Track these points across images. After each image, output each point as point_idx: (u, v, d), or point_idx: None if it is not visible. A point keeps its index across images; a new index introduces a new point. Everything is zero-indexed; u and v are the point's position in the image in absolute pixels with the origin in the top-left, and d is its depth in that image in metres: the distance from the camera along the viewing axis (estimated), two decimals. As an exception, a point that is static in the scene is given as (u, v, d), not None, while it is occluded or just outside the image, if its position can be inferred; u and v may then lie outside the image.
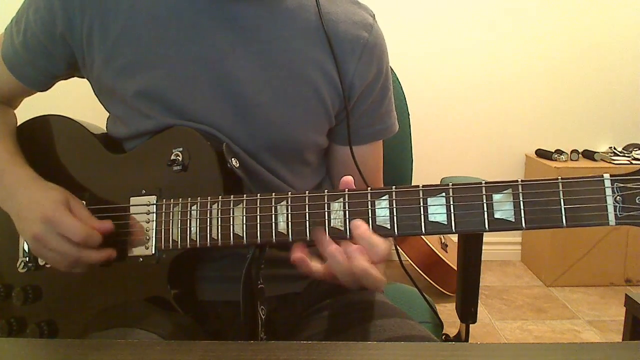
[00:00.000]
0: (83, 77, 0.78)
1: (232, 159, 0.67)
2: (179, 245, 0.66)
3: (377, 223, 0.57)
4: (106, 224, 0.68)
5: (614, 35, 2.50)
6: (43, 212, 0.65)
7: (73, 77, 0.81)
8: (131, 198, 0.70)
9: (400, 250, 0.97)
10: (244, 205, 0.62)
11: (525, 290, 2.35)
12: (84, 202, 0.71)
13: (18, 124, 0.83)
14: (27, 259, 0.74)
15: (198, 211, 0.65)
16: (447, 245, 2.31)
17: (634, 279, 2.34)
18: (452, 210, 0.55)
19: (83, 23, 0.71)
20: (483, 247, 0.90)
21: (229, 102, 0.71)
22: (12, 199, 0.70)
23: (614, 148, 2.50)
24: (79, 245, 0.65)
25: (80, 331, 0.70)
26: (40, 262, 0.74)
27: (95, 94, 0.78)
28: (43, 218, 0.65)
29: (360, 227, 0.57)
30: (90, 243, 0.65)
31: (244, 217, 0.62)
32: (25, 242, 0.74)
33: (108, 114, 0.80)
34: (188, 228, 0.65)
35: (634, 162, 2.35)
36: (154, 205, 0.68)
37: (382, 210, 0.57)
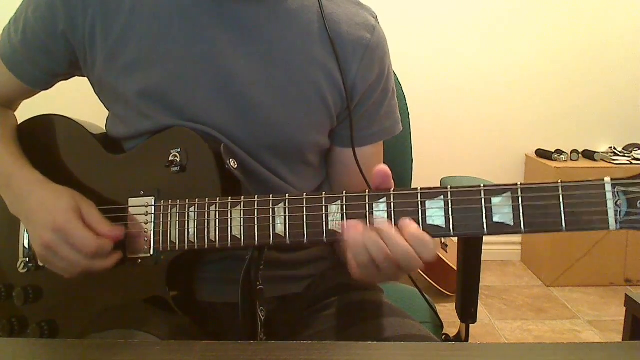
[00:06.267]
0: (83, 76, 0.78)
1: (230, 160, 0.67)
2: (177, 247, 0.66)
3: (375, 226, 0.57)
4: (118, 230, 0.67)
5: (614, 36, 2.50)
6: (54, 220, 0.64)
7: (74, 76, 0.80)
8: (129, 199, 0.70)
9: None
10: (242, 207, 0.62)
11: (525, 290, 2.35)
12: None
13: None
14: (27, 259, 0.74)
15: (196, 212, 0.65)
16: (447, 245, 2.31)
17: (634, 279, 2.34)
18: (450, 214, 0.54)
19: (85, 21, 0.71)
20: (483, 247, 0.89)
21: (230, 102, 0.71)
22: (21, 203, 0.70)
23: (614, 148, 2.50)
24: (90, 255, 0.65)
25: (80, 332, 0.70)
26: (50, 267, 0.74)
27: (95, 92, 0.78)
28: (54, 227, 0.64)
29: (411, 225, 0.55)
30: (101, 253, 0.65)
31: (242, 218, 0.62)
32: (25, 242, 0.74)
33: (108, 114, 0.80)
34: (186, 229, 0.65)
35: (634, 162, 2.35)
36: (153, 207, 0.68)
37: (380, 213, 0.56)
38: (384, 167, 0.57)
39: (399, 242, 0.54)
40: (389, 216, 0.56)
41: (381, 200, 0.57)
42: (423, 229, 0.55)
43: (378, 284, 0.60)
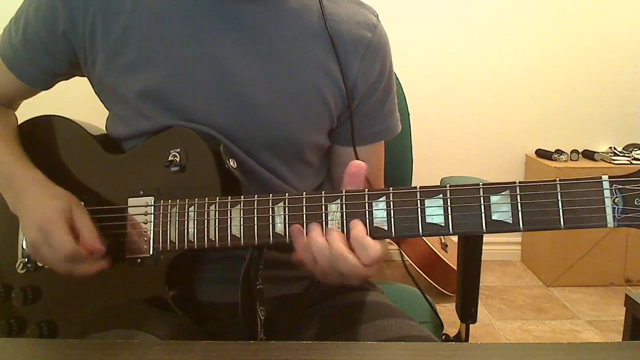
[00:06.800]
0: (84, 76, 0.78)
1: (230, 160, 0.67)
2: (177, 247, 0.66)
3: (374, 224, 0.57)
4: (96, 242, 0.66)
5: (614, 36, 2.50)
6: (41, 219, 0.66)
7: (74, 75, 0.80)
8: (129, 199, 0.70)
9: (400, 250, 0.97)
10: (242, 207, 0.62)
11: (525, 290, 2.35)
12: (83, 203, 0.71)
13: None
14: (26, 259, 0.74)
15: (195, 212, 0.65)
16: (447, 245, 2.31)
17: (634, 279, 2.34)
18: (449, 212, 0.54)
19: (86, 21, 0.71)
20: (483, 247, 0.89)
21: (230, 101, 0.71)
22: (20, 202, 0.70)
23: (614, 148, 2.50)
24: (63, 259, 0.65)
25: (79, 332, 0.70)
26: (39, 263, 0.74)
27: (95, 92, 0.78)
28: (39, 226, 0.66)
29: (356, 227, 0.56)
30: (75, 260, 0.66)
31: (242, 218, 0.62)
32: (24, 243, 0.74)
33: (108, 114, 0.80)
34: (186, 229, 0.65)
35: (634, 162, 2.35)
36: (152, 207, 0.68)
37: (380, 212, 0.57)
38: (358, 162, 0.59)
39: (336, 245, 0.56)
40: (388, 215, 0.56)
41: (380, 199, 0.57)
42: (422, 227, 0.55)
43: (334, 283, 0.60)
